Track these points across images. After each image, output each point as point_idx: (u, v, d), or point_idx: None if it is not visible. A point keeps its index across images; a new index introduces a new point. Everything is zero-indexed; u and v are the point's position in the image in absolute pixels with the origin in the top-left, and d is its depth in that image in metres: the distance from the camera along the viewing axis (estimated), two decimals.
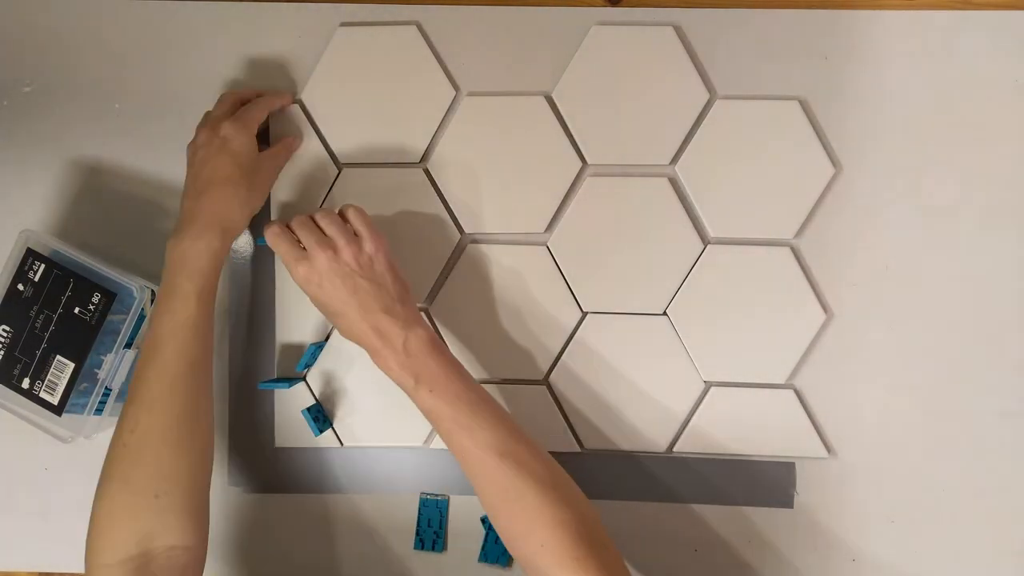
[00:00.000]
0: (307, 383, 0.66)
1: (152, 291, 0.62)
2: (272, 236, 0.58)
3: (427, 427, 0.65)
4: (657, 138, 0.65)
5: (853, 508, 0.64)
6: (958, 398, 0.64)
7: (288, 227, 0.58)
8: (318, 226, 0.58)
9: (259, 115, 0.62)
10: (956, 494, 0.64)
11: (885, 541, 0.64)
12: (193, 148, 0.60)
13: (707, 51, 0.65)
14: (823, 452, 0.64)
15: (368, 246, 0.57)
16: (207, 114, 0.63)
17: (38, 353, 0.61)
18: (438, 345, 0.57)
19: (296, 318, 0.66)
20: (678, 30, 0.65)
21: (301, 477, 0.66)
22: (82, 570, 0.67)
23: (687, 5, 0.66)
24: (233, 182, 0.58)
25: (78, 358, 0.61)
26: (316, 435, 0.65)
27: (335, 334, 0.66)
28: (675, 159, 0.65)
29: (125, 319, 0.61)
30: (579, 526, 0.52)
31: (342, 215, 0.59)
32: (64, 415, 0.61)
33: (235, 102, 0.63)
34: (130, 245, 0.67)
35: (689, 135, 0.65)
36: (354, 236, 0.58)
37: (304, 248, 0.57)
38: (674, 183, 0.65)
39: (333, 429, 0.66)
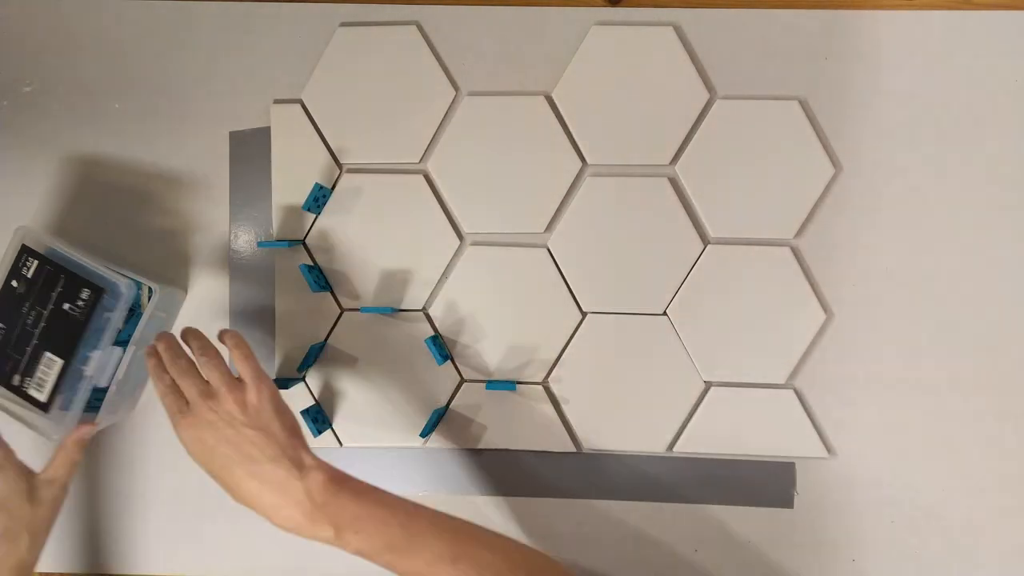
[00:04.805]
0: (306, 384, 0.66)
1: (149, 288, 0.62)
2: (162, 392, 0.54)
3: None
4: (657, 138, 0.65)
5: (853, 508, 0.64)
6: (958, 398, 0.64)
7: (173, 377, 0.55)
8: (199, 373, 0.55)
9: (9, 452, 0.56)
10: (956, 494, 0.64)
11: (885, 541, 0.64)
12: None
13: (707, 51, 0.65)
14: (823, 452, 0.64)
15: (252, 393, 0.53)
16: None
17: (28, 350, 0.60)
18: (343, 480, 0.51)
19: (296, 318, 0.66)
20: (678, 30, 0.65)
21: None
22: (82, 570, 0.68)
23: (687, 5, 0.66)
24: (8, 534, 0.54)
25: (66, 355, 0.60)
26: (315, 436, 0.65)
27: (334, 334, 0.66)
28: (675, 159, 0.65)
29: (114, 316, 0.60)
30: None
31: (235, 356, 0.55)
32: (54, 411, 0.61)
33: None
34: (130, 244, 0.67)
35: (689, 135, 0.65)
36: (238, 382, 0.54)
37: (187, 401, 0.54)
38: (674, 183, 0.65)
39: (332, 430, 0.66)
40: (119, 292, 0.60)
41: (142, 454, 0.67)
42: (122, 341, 0.62)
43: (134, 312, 0.64)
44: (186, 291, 0.67)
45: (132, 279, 0.61)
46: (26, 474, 0.56)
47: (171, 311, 0.67)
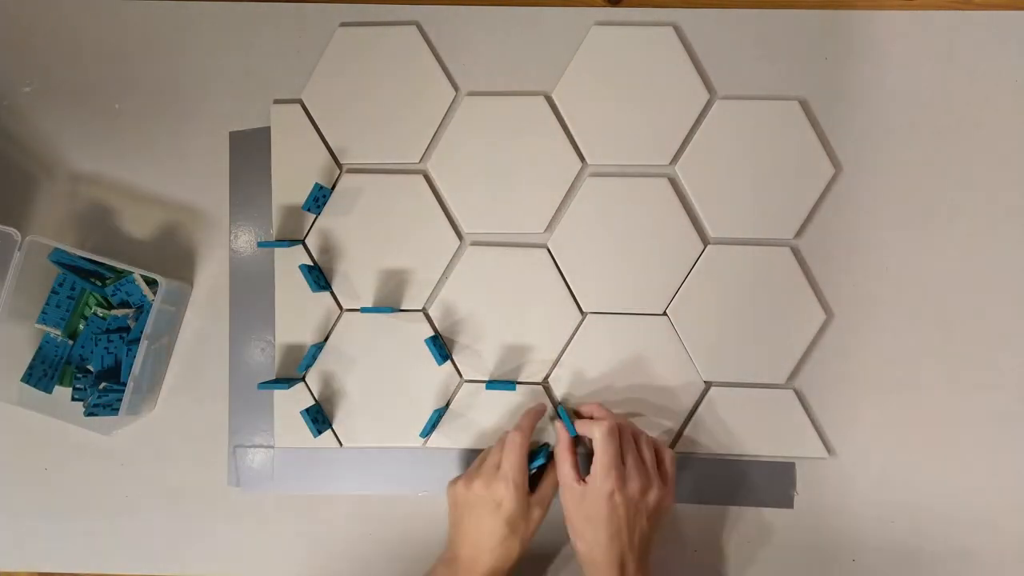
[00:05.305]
0: (306, 384, 0.66)
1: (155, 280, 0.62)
2: (607, 436, 0.58)
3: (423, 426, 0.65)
4: (657, 138, 0.65)
5: (853, 508, 0.64)
6: (957, 398, 0.64)
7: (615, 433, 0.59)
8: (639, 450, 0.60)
9: (524, 464, 0.59)
10: (956, 494, 0.64)
11: (885, 541, 0.64)
12: (465, 495, 0.59)
13: (707, 51, 0.65)
14: (823, 452, 0.64)
15: (668, 498, 0.59)
16: (484, 457, 0.61)
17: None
18: None
19: (296, 318, 0.66)
20: (678, 30, 0.65)
21: (300, 477, 0.66)
22: (82, 570, 0.68)
23: (687, 5, 0.66)
24: (506, 543, 0.58)
25: None
26: (315, 436, 0.64)
27: (334, 334, 0.66)
28: (675, 159, 0.65)
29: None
30: None
31: (658, 452, 0.61)
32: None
33: (521, 453, 0.59)
34: (130, 244, 0.67)
35: (689, 135, 0.65)
36: (660, 481, 0.59)
37: (623, 463, 0.58)
38: (674, 183, 0.65)
39: (332, 430, 0.66)
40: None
41: (146, 454, 0.67)
42: (134, 338, 0.62)
43: (143, 308, 0.64)
44: (191, 285, 0.67)
45: (135, 273, 0.61)
46: (526, 494, 0.59)
47: (179, 305, 0.67)
